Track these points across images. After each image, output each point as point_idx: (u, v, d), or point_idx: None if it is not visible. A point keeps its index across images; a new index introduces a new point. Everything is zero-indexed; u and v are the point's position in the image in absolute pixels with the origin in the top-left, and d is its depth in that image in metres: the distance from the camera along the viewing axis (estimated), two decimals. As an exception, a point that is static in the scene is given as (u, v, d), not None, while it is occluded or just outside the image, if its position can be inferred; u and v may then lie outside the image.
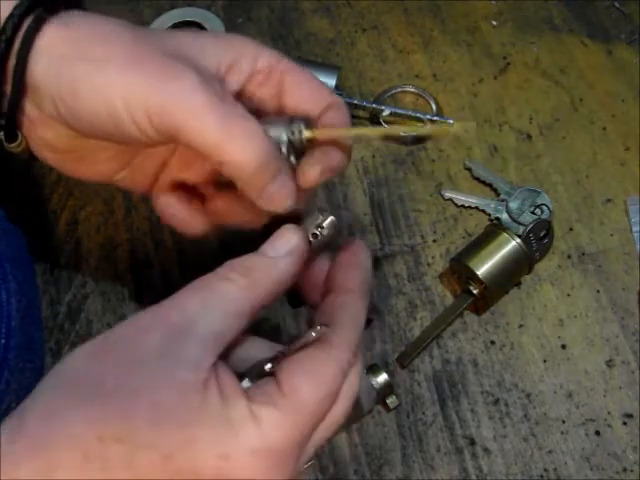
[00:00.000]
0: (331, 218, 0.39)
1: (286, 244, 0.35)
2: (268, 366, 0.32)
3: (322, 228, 0.38)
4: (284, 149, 0.38)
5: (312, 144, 0.39)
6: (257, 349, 0.34)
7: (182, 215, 0.43)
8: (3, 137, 0.39)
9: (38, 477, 0.28)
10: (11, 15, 0.36)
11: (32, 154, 0.41)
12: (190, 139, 0.35)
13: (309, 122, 0.39)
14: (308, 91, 0.40)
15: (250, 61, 0.39)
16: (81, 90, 0.36)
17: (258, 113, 0.39)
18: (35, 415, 0.29)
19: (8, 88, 0.37)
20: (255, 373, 0.32)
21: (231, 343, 0.32)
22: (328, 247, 0.40)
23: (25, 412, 0.29)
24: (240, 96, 0.39)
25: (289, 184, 0.37)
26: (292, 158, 0.39)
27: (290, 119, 0.39)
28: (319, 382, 0.32)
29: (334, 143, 0.40)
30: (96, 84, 0.35)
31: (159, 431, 0.28)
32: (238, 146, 0.35)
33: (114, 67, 0.35)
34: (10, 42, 0.36)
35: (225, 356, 0.32)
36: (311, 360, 0.32)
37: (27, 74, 0.37)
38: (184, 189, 0.43)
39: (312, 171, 0.38)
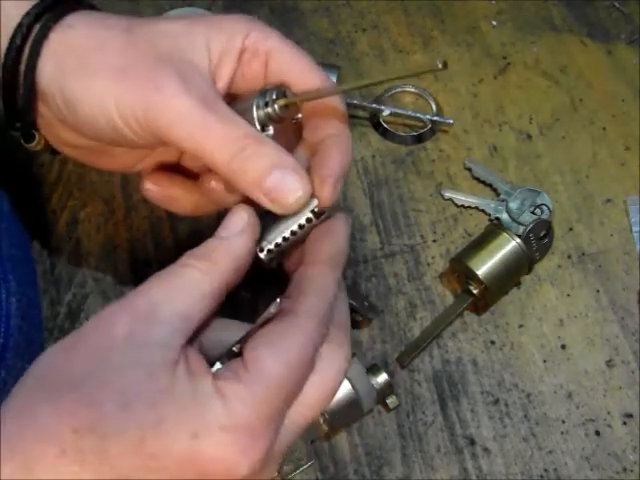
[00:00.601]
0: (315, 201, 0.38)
1: (238, 222, 0.36)
2: (236, 347, 0.32)
3: (314, 213, 0.38)
4: (258, 126, 0.38)
5: (294, 109, 0.39)
6: (229, 331, 0.35)
7: (171, 193, 0.43)
8: (21, 138, 0.41)
9: (18, 477, 0.28)
10: (20, 25, 0.38)
11: (54, 149, 0.43)
12: (175, 143, 0.36)
13: (282, 88, 0.38)
14: (294, 72, 0.40)
15: (239, 40, 0.39)
16: (80, 98, 0.37)
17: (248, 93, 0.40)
18: (10, 414, 0.29)
19: (21, 93, 0.39)
20: (225, 355, 0.32)
21: (200, 326, 0.33)
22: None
23: (3, 413, 0.29)
24: (234, 78, 0.40)
25: (292, 173, 0.36)
26: (270, 130, 0.38)
27: (262, 91, 0.38)
28: (282, 352, 0.31)
29: (324, 113, 0.40)
30: (91, 94, 0.37)
31: (128, 415, 0.28)
32: (217, 149, 0.36)
33: (106, 78, 0.37)
34: (20, 50, 0.38)
35: (194, 339, 0.33)
36: (273, 332, 0.32)
37: (38, 80, 0.38)
38: (173, 168, 0.44)
39: (325, 191, 0.37)
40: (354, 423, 0.50)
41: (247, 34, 0.39)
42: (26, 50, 0.38)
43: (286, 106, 0.38)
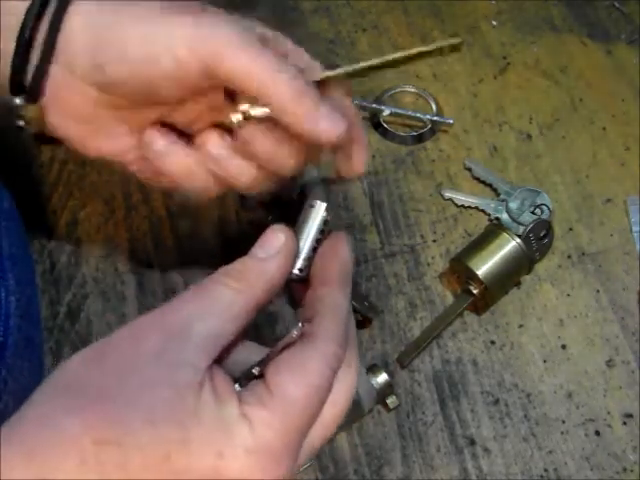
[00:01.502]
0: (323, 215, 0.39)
1: (275, 244, 0.36)
2: (256, 369, 0.32)
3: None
4: None
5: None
6: (249, 353, 0.35)
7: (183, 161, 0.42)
8: (24, 98, 0.39)
9: None
10: None
11: (42, 135, 0.41)
12: (229, 66, 0.36)
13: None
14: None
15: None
16: (124, 33, 0.37)
17: None
18: (30, 420, 0.29)
19: (35, 54, 0.38)
20: (244, 377, 0.33)
21: (227, 346, 0.33)
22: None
23: (21, 418, 0.29)
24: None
25: (335, 111, 0.37)
26: None
27: None
28: (305, 377, 0.32)
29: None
30: (139, 26, 0.37)
31: (154, 432, 0.29)
32: (283, 72, 0.37)
33: (155, 12, 0.38)
34: (44, 6, 0.37)
35: (220, 359, 0.32)
36: (295, 356, 0.33)
37: (62, 32, 0.38)
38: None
39: (356, 159, 0.41)
40: (354, 423, 0.50)
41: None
42: (50, 8, 0.37)
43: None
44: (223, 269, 0.34)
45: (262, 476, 0.30)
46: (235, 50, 0.36)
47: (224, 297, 0.33)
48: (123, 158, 0.43)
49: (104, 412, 0.29)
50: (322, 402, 0.33)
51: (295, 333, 0.32)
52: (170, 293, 0.55)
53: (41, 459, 0.28)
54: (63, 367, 0.31)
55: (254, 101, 0.38)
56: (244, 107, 0.39)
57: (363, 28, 0.68)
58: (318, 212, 0.39)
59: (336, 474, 0.49)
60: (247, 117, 0.39)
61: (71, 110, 0.40)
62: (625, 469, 0.48)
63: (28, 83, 0.39)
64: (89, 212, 0.58)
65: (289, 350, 0.33)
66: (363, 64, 0.41)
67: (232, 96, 0.40)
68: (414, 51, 0.40)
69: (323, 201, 0.39)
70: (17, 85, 0.39)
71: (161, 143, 0.41)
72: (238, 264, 0.35)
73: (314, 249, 0.39)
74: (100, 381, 0.30)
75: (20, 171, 0.59)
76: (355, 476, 0.49)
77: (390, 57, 0.39)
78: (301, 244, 0.39)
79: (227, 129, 0.41)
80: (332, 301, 0.35)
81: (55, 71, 0.39)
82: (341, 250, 0.38)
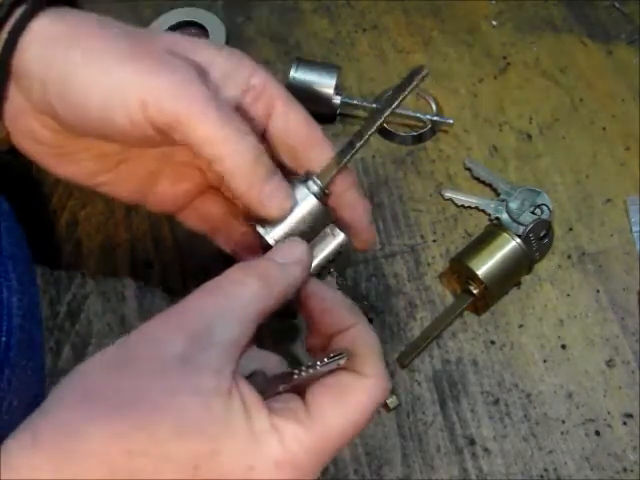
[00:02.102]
0: (342, 238, 0.40)
1: (295, 252, 0.35)
2: (283, 386, 0.32)
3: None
4: None
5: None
6: (253, 358, 0.34)
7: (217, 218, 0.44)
8: None
9: None
10: (1, 5, 0.36)
11: (11, 148, 0.41)
12: (186, 131, 0.35)
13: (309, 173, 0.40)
14: (295, 124, 0.40)
15: (246, 75, 0.39)
16: (74, 77, 0.35)
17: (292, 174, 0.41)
18: (52, 431, 0.28)
19: None
20: (268, 389, 0.32)
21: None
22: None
23: (39, 428, 0.28)
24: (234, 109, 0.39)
25: (285, 185, 0.37)
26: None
27: (300, 177, 0.40)
28: (347, 408, 0.32)
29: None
30: (92, 73, 0.35)
31: (184, 442, 0.28)
32: (234, 139, 0.35)
33: (111, 58, 0.35)
34: (0, 27, 0.35)
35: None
36: (340, 385, 0.32)
37: (17, 59, 0.36)
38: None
39: (366, 233, 0.43)
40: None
41: (252, 72, 0.39)
42: (6, 28, 0.35)
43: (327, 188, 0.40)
44: (241, 266, 0.33)
45: None
46: (197, 115, 0.34)
47: (243, 298, 0.32)
48: (92, 182, 0.42)
49: (130, 422, 0.28)
50: (356, 435, 0.32)
51: (341, 362, 0.32)
52: (170, 293, 0.55)
53: (70, 471, 0.27)
54: (81, 371, 0.30)
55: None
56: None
57: (363, 28, 0.68)
58: (336, 240, 0.40)
59: (336, 474, 0.49)
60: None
61: (31, 134, 0.39)
62: (625, 469, 0.48)
63: None
64: (89, 212, 0.58)
65: (332, 376, 0.32)
66: (357, 146, 0.40)
67: None
68: (395, 105, 0.40)
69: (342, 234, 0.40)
70: None
71: (214, 214, 0.44)
72: (259, 264, 0.34)
73: (318, 275, 0.39)
74: (123, 387, 0.29)
75: (20, 171, 0.59)
76: (355, 476, 0.49)
77: (375, 127, 0.40)
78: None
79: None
80: (371, 339, 0.35)
81: (14, 95, 0.37)
82: (335, 295, 0.37)
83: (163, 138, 0.36)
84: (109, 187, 0.43)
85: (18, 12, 0.36)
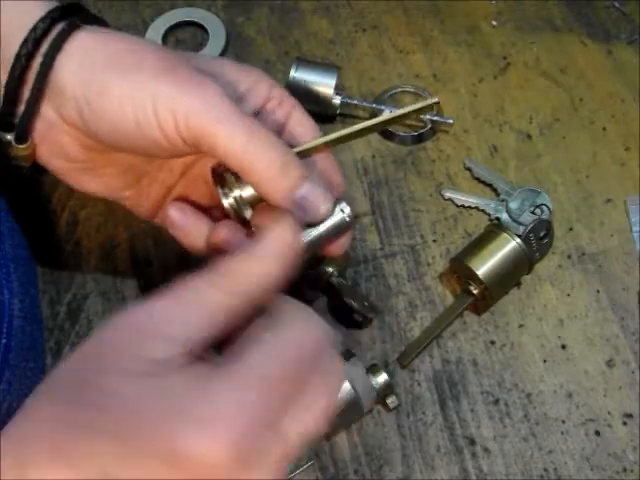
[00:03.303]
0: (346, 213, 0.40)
1: (276, 243, 0.32)
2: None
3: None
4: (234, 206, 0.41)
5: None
6: None
7: (186, 224, 0.44)
8: (13, 138, 0.39)
9: None
10: (44, 18, 0.37)
11: (35, 164, 0.42)
12: (216, 147, 0.36)
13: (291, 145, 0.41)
14: (309, 134, 0.43)
15: (267, 87, 0.42)
16: (109, 93, 0.37)
17: None
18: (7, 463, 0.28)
19: (26, 91, 0.38)
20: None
21: (207, 344, 0.30)
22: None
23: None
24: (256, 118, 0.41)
25: (321, 188, 0.38)
26: (247, 212, 0.40)
27: None
28: (269, 352, 0.30)
29: (321, 157, 0.42)
30: (126, 87, 0.37)
31: (111, 417, 0.27)
32: (262, 149, 0.36)
33: (145, 74, 0.37)
34: (39, 43, 0.37)
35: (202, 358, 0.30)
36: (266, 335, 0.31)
37: (53, 76, 0.37)
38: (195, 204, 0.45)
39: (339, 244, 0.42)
40: (354, 423, 0.50)
41: (272, 86, 0.42)
42: (44, 46, 0.37)
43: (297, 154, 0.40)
44: (212, 265, 0.32)
45: (223, 451, 0.27)
46: (223, 128, 0.36)
47: (205, 294, 0.31)
48: (115, 196, 0.44)
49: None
50: (286, 392, 0.30)
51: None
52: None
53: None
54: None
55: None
56: (235, 193, 0.40)
57: (363, 28, 0.68)
58: (338, 215, 0.40)
59: (336, 474, 0.49)
60: (238, 201, 0.40)
61: (60, 149, 0.40)
62: (625, 469, 0.48)
63: (17, 120, 0.39)
64: (89, 212, 0.58)
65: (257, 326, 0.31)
66: (349, 130, 0.42)
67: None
68: (396, 114, 0.41)
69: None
70: (5, 122, 0.39)
71: (181, 222, 0.43)
72: (229, 261, 0.32)
73: (319, 245, 0.39)
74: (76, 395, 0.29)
75: (20, 171, 0.59)
76: (355, 476, 0.49)
77: (370, 123, 0.41)
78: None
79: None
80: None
81: (46, 110, 0.39)
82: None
83: (194, 149, 0.38)
84: (130, 201, 0.44)
85: (55, 31, 0.37)
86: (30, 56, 0.37)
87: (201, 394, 0.28)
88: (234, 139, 0.36)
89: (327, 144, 0.42)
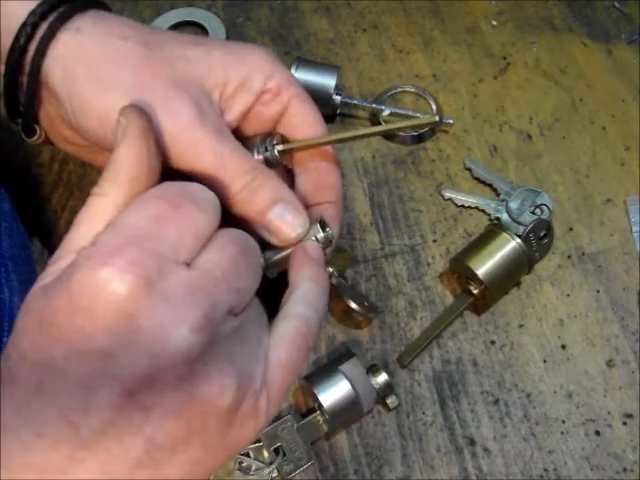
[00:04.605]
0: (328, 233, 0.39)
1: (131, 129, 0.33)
2: None
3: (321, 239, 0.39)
4: None
5: (289, 157, 0.42)
6: None
7: None
8: (22, 132, 0.41)
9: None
10: (26, 20, 0.37)
11: (52, 142, 0.44)
12: (188, 168, 0.37)
13: (279, 135, 0.41)
14: (304, 126, 0.42)
15: (262, 79, 0.40)
16: (90, 109, 0.37)
17: (256, 134, 0.41)
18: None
19: (24, 88, 0.39)
20: None
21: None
22: None
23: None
24: (247, 114, 0.41)
25: (293, 210, 0.38)
26: None
27: (262, 137, 0.41)
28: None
29: (316, 155, 0.42)
30: (103, 106, 0.37)
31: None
32: (229, 179, 0.37)
33: (119, 92, 0.36)
34: (25, 47, 0.38)
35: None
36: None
37: (44, 76, 0.38)
38: None
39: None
40: (354, 423, 0.50)
41: (270, 75, 0.40)
42: (31, 49, 0.37)
43: (284, 152, 0.40)
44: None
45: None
46: (194, 156, 0.36)
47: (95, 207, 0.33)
48: None
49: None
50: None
51: None
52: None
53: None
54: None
55: None
56: None
57: (363, 28, 0.68)
58: (313, 239, 0.39)
59: (336, 474, 0.49)
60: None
61: (66, 138, 0.42)
62: (625, 469, 0.48)
63: (21, 114, 0.40)
64: (89, 212, 0.58)
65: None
66: (345, 134, 0.41)
67: None
68: (394, 126, 0.41)
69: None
70: (13, 117, 0.40)
71: None
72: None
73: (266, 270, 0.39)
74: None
75: (20, 171, 0.59)
76: (355, 476, 0.49)
77: (367, 131, 0.41)
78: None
79: None
80: None
81: (47, 106, 0.40)
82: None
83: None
84: None
85: (41, 30, 0.38)
86: (21, 55, 0.38)
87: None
88: (201, 168, 0.36)
89: (322, 144, 0.41)
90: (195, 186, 0.33)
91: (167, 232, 0.30)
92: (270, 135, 0.41)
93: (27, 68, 0.38)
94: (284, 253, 0.38)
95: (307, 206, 0.41)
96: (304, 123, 0.41)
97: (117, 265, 0.28)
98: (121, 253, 0.28)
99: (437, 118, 0.38)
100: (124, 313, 0.28)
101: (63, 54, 0.37)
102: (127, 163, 0.33)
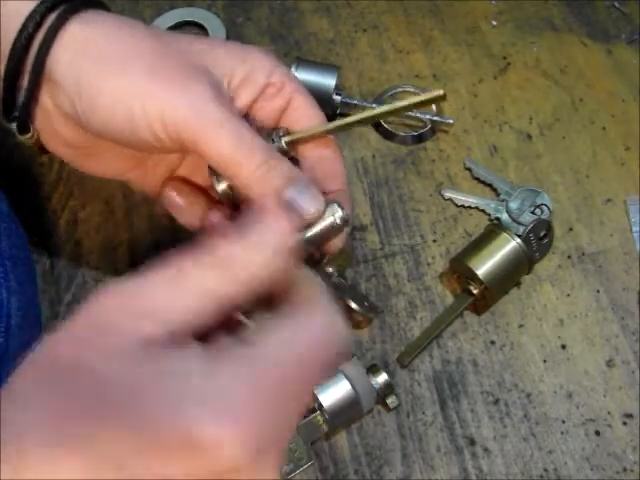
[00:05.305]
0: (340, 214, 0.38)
1: (275, 236, 0.30)
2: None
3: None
4: None
5: (294, 149, 0.41)
6: None
7: (182, 204, 0.44)
8: (16, 129, 0.40)
9: None
10: (34, 11, 0.37)
11: (42, 147, 0.42)
12: (203, 152, 0.36)
13: (287, 130, 0.41)
14: (306, 120, 0.42)
15: (265, 74, 0.41)
16: (101, 90, 0.37)
17: (263, 127, 0.41)
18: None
19: (24, 82, 0.38)
20: None
21: (203, 327, 0.29)
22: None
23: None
24: (251, 108, 0.41)
25: (309, 191, 0.37)
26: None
27: (268, 131, 0.41)
28: (286, 342, 0.28)
29: (320, 145, 0.42)
30: (117, 87, 0.37)
31: (114, 404, 0.26)
32: (248, 154, 0.36)
33: (135, 71, 0.37)
34: (31, 37, 0.37)
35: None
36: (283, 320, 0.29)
37: (48, 68, 0.38)
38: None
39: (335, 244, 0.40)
40: (354, 423, 0.50)
41: (270, 72, 0.41)
42: (39, 37, 0.37)
43: (290, 143, 0.40)
44: (209, 244, 0.30)
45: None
46: (210, 135, 0.36)
47: (197, 278, 0.29)
48: (121, 177, 0.44)
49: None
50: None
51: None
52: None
53: None
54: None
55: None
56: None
57: (363, 28, 0.68)
58: (332, 217, 0.38)
59: (336, 474, 0.49)
60: (232, 188, 0.40)
61: (61, 137, 0.41)
62: (625, 469, 0.48)
63: (18, 109, 0.39)
64: (89, 212, 0.58)
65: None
66: (347, 120, 0.41)
67: None
68: (400, 105, 0.40)
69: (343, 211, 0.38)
70: (7, 112, 0.40)
71: (178, 202, 0.43)
72: (226, 245, 0.29)
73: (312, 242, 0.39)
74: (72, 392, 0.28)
75: (20, 171, 0.59)
76: (355, 476, 0.49)
77: (372, 113, 0.41)
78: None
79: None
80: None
81: (45, 101, 0.39)
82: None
83: (183, 151, 0.38)
84: (138, 182, 0.45)
85: (48, 22, 0.37)
86: (24, 51, 0.38)
87: (210, 377, 0.26)
88: (220, 146, 0.36)
89: (327, 132, 0.41)
90: None
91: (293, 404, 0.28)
92: (275, 129, 0.41)
93: (31, 59, 0.38)
94: (303, 237, 0.38)
95: None
96: (306, 116, 0.42)
97: (246, 429, 0.25)
98: (253, 418, 0.25)
99: (442, 92, 0.37)
100: None
101: (73, 40, 0.37)
102: (261, 270, 0.29)
